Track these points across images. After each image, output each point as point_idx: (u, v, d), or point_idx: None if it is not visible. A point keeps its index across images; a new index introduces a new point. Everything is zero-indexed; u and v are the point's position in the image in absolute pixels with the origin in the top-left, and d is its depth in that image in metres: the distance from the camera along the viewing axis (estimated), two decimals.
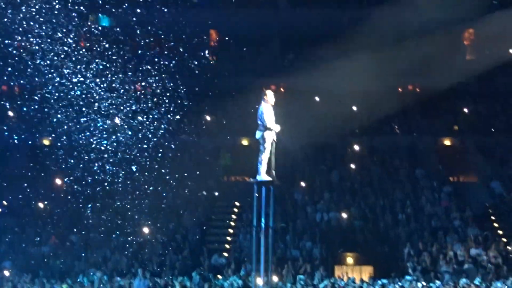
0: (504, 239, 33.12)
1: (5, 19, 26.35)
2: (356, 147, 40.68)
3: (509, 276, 28.79)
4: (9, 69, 29.86)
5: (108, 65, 28.84)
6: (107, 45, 29.21)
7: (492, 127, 41.03)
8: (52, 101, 28.20)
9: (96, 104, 28.81)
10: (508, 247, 32.40)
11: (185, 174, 34.37)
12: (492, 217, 35.29)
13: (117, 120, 29.54)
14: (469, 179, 39.53)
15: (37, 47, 26.67)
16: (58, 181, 36.47)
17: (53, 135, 32.74)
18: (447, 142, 41.02)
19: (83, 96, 28.41)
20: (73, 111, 28.63)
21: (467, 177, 39.66)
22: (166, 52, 32.86)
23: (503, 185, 37.11)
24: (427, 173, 38.47)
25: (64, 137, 30.05)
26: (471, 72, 38.47)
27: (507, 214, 35.13)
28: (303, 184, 37.85)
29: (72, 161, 30.53)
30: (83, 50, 28.37)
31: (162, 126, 31.48)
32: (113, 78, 28.98)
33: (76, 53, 27.58)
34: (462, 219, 34.38)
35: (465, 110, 41.94)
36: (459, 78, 38.17)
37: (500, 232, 33.99)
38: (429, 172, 38.62)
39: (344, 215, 35.00)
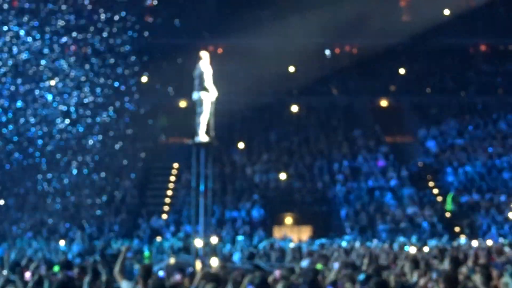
0: (439, 198, 33.73)
1: None
2: (294, 108, 40.78)
3: (444, 234, 29.40)
4: None
5: (40, 24, 28.28)
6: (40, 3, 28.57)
7: (427, 87, 41.59)
8: None
9: (26, 65, 28.28)
10: (443, 206, 33.02)
11: (123, 136, 34.02)
12: (428, 176, 35.84)
13: (52, 83, 29.05)
14: (405, 139, 40.08)
15: None
16: None
17: None
18: (383, 102, 41.40)
19: (13, 57, 27.87)
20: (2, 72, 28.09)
21: (403, 137, 40.20)
22: (100, 12, 32.21)
23: (438, 145, 37.67)
24: (364, 133, 38.82)
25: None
26: (407, 33, 38.77)
27: (441, 173, 35.71)
28: (241, 145, 37.86)
29: (7, 123, 29.98)
30: (15, 9, 27.78)
31: (99, 87, 31.09)
32: (45, 38, 28.44)
33: (7, 12, 27.05)
34: (399, 179, 34.84)
35: (401, 70, 42.36)
36: (395, 39, 38.49)
37: (435, 191, 34.57)
38: (366, 132, 38.97)
39: (282, 176, 35.14)
